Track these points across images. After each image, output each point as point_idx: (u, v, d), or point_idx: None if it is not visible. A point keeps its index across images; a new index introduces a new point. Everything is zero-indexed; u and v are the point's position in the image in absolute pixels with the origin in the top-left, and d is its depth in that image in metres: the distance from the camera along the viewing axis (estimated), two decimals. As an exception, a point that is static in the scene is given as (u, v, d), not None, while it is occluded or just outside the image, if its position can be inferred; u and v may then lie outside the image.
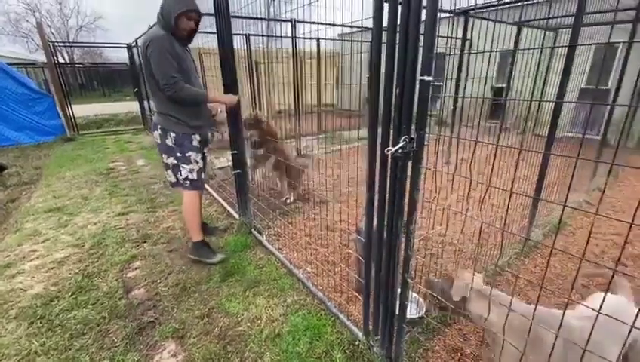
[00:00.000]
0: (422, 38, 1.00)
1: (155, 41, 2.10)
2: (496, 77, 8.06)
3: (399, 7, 1.02)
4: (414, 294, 1.91)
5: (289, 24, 4.85)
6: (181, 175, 2.40)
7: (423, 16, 0.98)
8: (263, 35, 5.43)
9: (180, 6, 2.10)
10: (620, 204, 3.56)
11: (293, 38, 4.77)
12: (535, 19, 5.03)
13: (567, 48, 2.13)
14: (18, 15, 24.00)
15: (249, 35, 5.98)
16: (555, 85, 4.08)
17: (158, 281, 2.36)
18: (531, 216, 2.54)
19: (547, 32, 6.04)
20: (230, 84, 2.56)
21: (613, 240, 2.79)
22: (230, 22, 2.36)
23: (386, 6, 1.08)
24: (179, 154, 2.34)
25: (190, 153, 2.36)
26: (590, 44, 5.11)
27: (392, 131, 1.16)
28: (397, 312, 1.36)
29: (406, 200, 1.17)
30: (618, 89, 3.48)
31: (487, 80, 6.82)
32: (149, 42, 2.11)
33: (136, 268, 2.52)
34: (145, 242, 2.90)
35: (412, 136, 1.09)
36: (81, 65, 20.52)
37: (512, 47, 5.39)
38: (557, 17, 4.45)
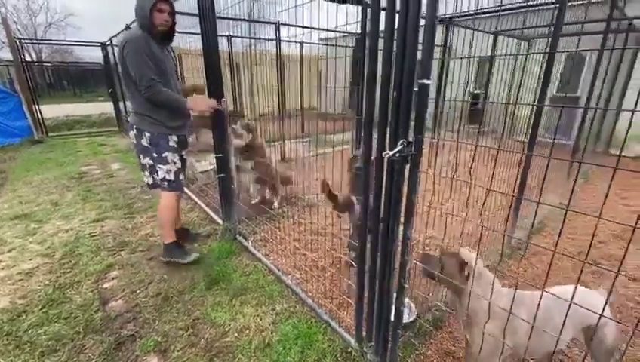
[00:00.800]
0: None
1: (131, 42, 2.03)
2: (474, 84, 8.34)
3: (397, 14, 1.01)
4: (407, 299, 1.90)
5: (273, 26, 4.81)
6: (158, 175, 2.33)
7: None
8: (246, 37, 5.35)
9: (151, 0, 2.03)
10: (593, 205, 3.73)
11: (278, 40, 4.73)
12: (511, 29, 5.25)
13: (545, 56, 2.21)
14: (-20, 9, 22.60)
15: (231, 36, 5.89)
16: (529, 92, 4.25)
17: (138, 291, 2.23)
18: (514, 217, 2.61)
19: (522, 42, 6.32)
20: (214, 87, 2.49)
21: (588, 240, 2.91)
22: (215, 23, 2.30)
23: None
24: (155, 155, 2.27)
25: (166, 153, 2.28)
26: (573, 51, 5.37)
27: (388, 135, 1.14)
28: (392, 318, 1.34)
29: (403, 204, 1.16)
30: (590, 95, 3.66)
31: (468, 85, 7.06)
32: (125, 43, 2.04)
33: (113, 278, 2.38)
34: (122, 250, 2.75)
35: (410, 139, 1.07)
36: (49, 64, 19.49)
37: (489, 54, 5.59)
38: (533, 27, 4.65)
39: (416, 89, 1.00)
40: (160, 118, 2.20)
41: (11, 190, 4.19)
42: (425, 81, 0.98)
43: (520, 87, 5.76)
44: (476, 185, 1.12)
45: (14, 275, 2.42)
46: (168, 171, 2.32)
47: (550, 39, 2.12)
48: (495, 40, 5.55)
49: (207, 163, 4.24)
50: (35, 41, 18.98)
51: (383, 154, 1.09)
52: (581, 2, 3.07)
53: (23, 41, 7.67)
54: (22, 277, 2.39)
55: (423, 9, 0.96)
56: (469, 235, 2.78)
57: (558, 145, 5.71)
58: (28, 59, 8.15)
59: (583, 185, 4.36)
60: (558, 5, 1.98)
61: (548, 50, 2.15)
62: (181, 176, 2.44)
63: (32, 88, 7.24)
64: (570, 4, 2.23)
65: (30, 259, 2.62)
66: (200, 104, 2.35)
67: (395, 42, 1.05)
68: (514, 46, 6.28)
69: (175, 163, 2.35)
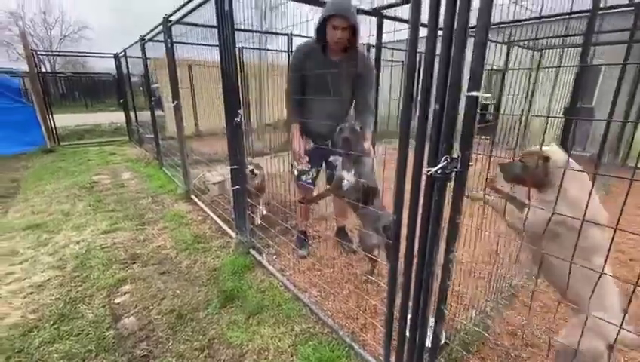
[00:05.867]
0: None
1: (295, 51, 2.18)
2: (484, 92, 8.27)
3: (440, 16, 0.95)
4: (432, 319, 1.79)
5: (285, 37, 4.82)
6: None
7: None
8: (257, 49, 5.38)
9: (324, 13, 1.94)
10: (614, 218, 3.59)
11: (289, 52, 4.73)
12: (524, 40, 5.19)
13: (571, 69, 2.14)
14: (0, 23, 23.32)
15: (242, 48, 5.92)
16: (544, 102, 4.15)
17: (151, 308, 2.16)
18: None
19: (534, 52, 6.26)
20: (231, 97, 2.45)
21: (616, 255, 2.77)
22: (234, 35, 2.27)
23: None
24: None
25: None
26: (606, 64, 5.29)
27: (427, 150, 1.07)
28: (429, 344, 1.24)
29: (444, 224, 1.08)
30: (614, 107, 3.56)
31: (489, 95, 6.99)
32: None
33: (125, 293, 2.31)
34: (134, 263, 2.69)
35: (453, 155, 1.00)
36: (63, 75, 19.92)
37: (501, 65, 5.53)
38: (557, 37, 4.57)
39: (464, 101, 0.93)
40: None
41: (23, 199, 4.18)
42: (474, 94, 0.91)
43: (532, 97, 5.67)
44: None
45: (26, 288, 2.36)
46: None
47: (561, 50, 2.04)
48: (509, 51, 5.49)
49: (218, 174, 4.19)
50: (50, 53, 19.43)
51: (426, 170, 1.01)
52: (610, 11, 3.00)
53: (38, 53, 7.81)
54: (33, 290, 2.34)
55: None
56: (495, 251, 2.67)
57: (574, 157, 5.58)
58: (43, 70, 8.29)
59: (604, 198, 4.22)
60: (590, 14, 1.91)
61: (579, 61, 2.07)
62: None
63: (46, 98, 7.34)
64: (602, 12, 2.16)
65: (42, 271, 2.57)
66: (294, 148, 2.35)
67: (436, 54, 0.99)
68: (526, 56, 6.22)
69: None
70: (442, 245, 1.09)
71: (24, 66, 7.83)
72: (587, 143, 6.07)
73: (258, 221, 3.21)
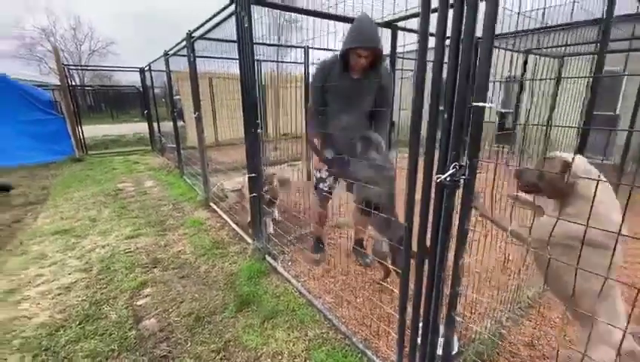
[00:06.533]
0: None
1: (318, 65, 2.31)
2: (503, 102, 8.15)
3: (447, 31, 1.00)
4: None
5: (300, 50, 4.95)
6: None
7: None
8: (275, 61, 5.54)
9: (348, 42, 2.01)
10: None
11: (306, 64, 4.85)
12: (543, 47, 5.12)
13: (590, 78, 2.12)
14: (33, 39, 24.91)
15: (260, 60, 6.11)
16: (566, 111, 4.08)
17: (170, 310, 2.24)
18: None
19: (553, 60, 6.15)
20: (250, 109, 2.55)
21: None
22: (253, 49, 2.38)
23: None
24: None
25: None
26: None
27: (436, 158, 1.10)
28: (440, 353, 1.25)
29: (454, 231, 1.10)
30: (635, 115, 3.46)
31: (494, 105, 6.91)
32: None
33: (146, 296, 2.41)
34: (155, 267, 2.80)
35: (462, 163, 1.03)
36: (91, 88, 21.01)
37: (518, 73, 5.47)
38: (571, 45, 4.51)
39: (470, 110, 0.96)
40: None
41: (53, 206, 4.42)
42: (481, 104, 0.94)
43: (555, 107, 5.56)
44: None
45: (54, 290, 2.50)
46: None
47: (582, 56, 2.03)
48: (526, 59, 5.43)
49: (236, 182, 4.30)
50: (80, 68, 20.58)
51: (435, 177, 1.05)
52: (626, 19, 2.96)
53: (69, 67, 8.30)
54: (61, 292, 2.47)
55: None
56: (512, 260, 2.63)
57: (599, 166, 5.40)
58: (73, 83, 8.79)
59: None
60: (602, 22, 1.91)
61: (592, 69, 2.06)
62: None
63: (75, 110, 7.77)
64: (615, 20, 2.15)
65: (69, 274, 2.71)
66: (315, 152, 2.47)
67: (444, 63, 1.03)
68: (547, 64, 6.12)
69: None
70: (452, 251, 1.11)
71: (55, 80, 8.35)
72: (610, 151, 5.87)
73: (271, 229, 3.27)
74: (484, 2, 0.90)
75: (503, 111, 7.91)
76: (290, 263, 2.77)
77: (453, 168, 1.03)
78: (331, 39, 2.44)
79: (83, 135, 7.97)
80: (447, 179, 1.04)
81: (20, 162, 6.78)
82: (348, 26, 2.79)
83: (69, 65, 8.76)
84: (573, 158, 1.20)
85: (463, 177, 1.03)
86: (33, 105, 7.11)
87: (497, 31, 0.93)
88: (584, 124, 2.10)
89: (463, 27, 0.95)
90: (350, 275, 2.59)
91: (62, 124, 7.49)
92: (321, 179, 2.53)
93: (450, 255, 1.12)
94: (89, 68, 22.54)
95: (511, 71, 5.33)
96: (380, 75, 2.16)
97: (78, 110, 8.06)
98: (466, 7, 0.91)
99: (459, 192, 1.07)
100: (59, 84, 7.54)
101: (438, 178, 1.03)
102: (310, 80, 2.18)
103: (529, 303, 2.18)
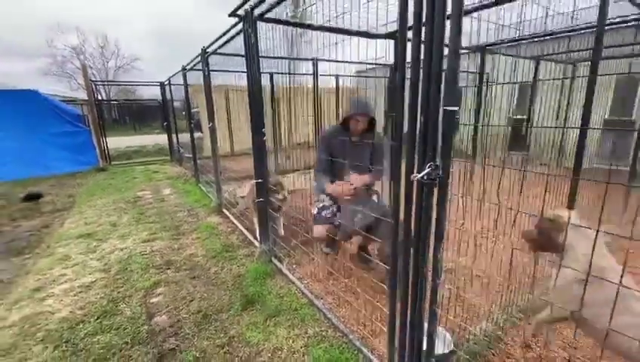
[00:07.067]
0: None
1: (324, 132, 2.77)
2: (515, 109, 8.06)
3: (422, 44, 1.10)
4: (440, 328, 1.82)
5: (310, 62, 5.14)
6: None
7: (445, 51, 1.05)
8: (285, 73, 5.75)
9: (350, 110, 2.54)
10: None
11: (315, 75, 5.02)
12: (552, 54, 5.11)
13: (587, 81, 2.15)
14: (64, 57, 26.55)
15: (272, 73, 6.35)
16: (577, 117, 4.04)
17: (180, 308, 2.37)
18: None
19: (566, 66, 6.09)
20: (257, 119, 2.71)
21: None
22: (259, 63, 2.55)
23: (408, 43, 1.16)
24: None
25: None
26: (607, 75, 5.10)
27: (416, 159, 1.19)
28: (424, 347, 1.31)
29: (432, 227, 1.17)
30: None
31: (505, 110, 6.87)
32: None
33: (159, 294, 2.56)
34: (168, 268, 2.95)
35: (437, 163, 1.11)
36: (116, 102, 22.14)
37: (530, 80, 5.45)
38: (573, 51, 4.50)
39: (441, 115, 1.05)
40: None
41: (78, 212, 4.71)
42: (450, 108, 1.03)
43: (567, 111, 5.48)
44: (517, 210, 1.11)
45: (76, 288, 2.68)
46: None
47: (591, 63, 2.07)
48: (537, 65, 5.41)
49: (247, 189, 4.47)
50: (106, 83, 21.78)
51: (412, 177, 1.13)
52: (621, 25, 2.97)
53: (96, 83, 8.85)
54: (82, 290, 2.65)
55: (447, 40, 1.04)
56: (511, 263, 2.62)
57: (613, 172, 5.25)
58: (99, 98, 9.36)
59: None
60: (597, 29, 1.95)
61: (588, 74, 2.09)
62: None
63: (101, 123, 8.24)
64: (608, 27, 2.18)
65: (90, 274, 2.90)
66: (336, 190, 2.62)
67: (421, 70, 1.13)
68: (559, 70, 6.07)
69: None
70: (432, 245, 1.18)
71: (83, 95, 8.88)
72: (628, 159, 5.70)
73: (282, 232, 3.39)
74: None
75: (518, 116, 7.82)
76: (294, 266, 2.86)
77: (429, 167, 1.11)
78: (339, 50, 2.63)
79: (107, 146, 8.43)
80: (425, 177, 1.12)
81: (52, 172, 7.23)
82: (354, 39, 2.95)
83: (96, 81, 9.33)
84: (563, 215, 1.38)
85: (438, 176, 1.11)
86: (62, 118, 7.60)
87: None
88: (581, 129, 2.12)
89: (434, 47, 1.05)
90: (353, 278, 2.65)
91: (88, 136, 7.96)
92: (324, 207, 2.72)
93: (431, 248, 1.19)
94: (114, 83, 23.78)
95: (523, 76, 5.33)
96: (374, 137, 2.64)
97: (103, 123, 8.55)
98: (435, 31, 1.02)
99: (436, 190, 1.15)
100: (87, 98, 8.05)
101: (414, 177, 1.11)
102: (318, 148, 2.69)
103: (528, 306, 2.18)
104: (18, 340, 2.09)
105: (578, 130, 2.58)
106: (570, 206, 2.25)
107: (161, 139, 11.53)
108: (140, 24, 49.89)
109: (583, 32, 3.21)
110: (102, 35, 28.41)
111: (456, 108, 1.04)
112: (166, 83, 8.13)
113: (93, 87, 8.06)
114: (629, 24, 2.88)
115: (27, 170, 6.99)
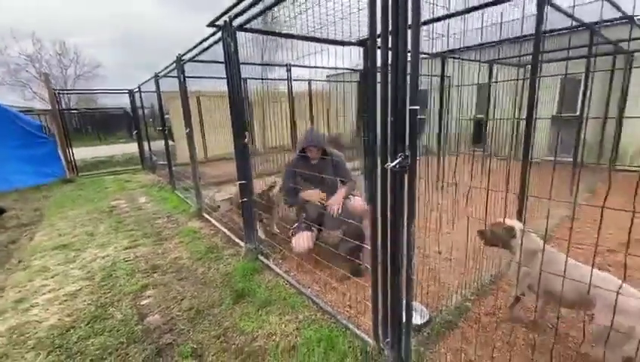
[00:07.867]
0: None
1: (288, 163, 3.10)
2: (476, 110, 8.68)
3: (389, 53, 1.32)
4: (417, 303, 2.06)
5: (284, 68, 5.32)
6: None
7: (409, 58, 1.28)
8: (261, 79, 5.89)
9: (304, 142, 2.90)
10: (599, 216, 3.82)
11: (289, 80, 5.21)
12: (504, 58, 5.63)
13: (533, 82, 2.50)
14: (18, 66, 24.82)
15: (246, 78, 6.45)
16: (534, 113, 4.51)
17: (172, 307, 2.45)
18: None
19: (519, 69, 6.70)
20: (238, 123, 2.84)
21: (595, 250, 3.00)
22: (240, 69, 2.70)
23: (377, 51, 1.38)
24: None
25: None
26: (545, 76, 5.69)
27: (389, 151, 1.41)
28: (404, 311, 1.52)
29: (405, 207, 1.40)
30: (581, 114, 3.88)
31: (465, 111, 7.41)
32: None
33: (148, 297, 2.61)
34: (155, 272, 3.00)
35: (407, 153, 1.34)
36: (77, 111, 21.04)
37: (484, 82, 5.95)
38: (520, 56, 5.00)
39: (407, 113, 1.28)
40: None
41: (49, 224, 4.56)
42: (413, 107, 1.26)
43: (520, 110, 6.03)
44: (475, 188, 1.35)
45: (60, 296, 2.68)
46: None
47: (542, 64, 2.41)
48: (491, 69, 5.93)
49: (225, 193, 4.55)
50: (72, 92, 20.60)
51: (386, 165, 1.35)
52: (560, 32, 3.40)
53: (60, 92, 8.47)
54: (67, 298, 2.65)
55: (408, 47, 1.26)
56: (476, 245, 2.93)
57: (562, 163, 5.85)
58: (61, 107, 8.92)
59: (588, 199, 4.46)
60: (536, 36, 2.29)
61: (530, 76, 2.43)
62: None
63: (66, 133, 7.92)
64: (549, 35, 2.54)
65: (73, 283, 2.89)
66: (311, 195, 2.90)
67: (389, 75, 1.35)
68: (512, 74, 6.67)
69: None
70: (405, 222, 1.40)
71: (38, 104, 8.49)
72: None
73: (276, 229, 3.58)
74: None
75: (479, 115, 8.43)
76: (281, 261, 3.01)
77: (399, 157, 1.33)
78: (312, 58, 2.82)
79: (74, 156, 8.10)
80: (397, 166, 1.34)
81: (15, 185, 6.86)
82: (327, 46, 3.17)
83: (62, 90, 8.94)
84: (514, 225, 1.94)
85: (407, 165, 1.33)
86: (24, 129, 7.23)
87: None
88: (526, 125, 2.46)
89: (399, 55, 1.27)
90: (337, 267, 2.84)
91: (53, 147, 7.62)
92: (304, 217, 2.95)
93: (405, 227, 1.41)
94: (80, 91, 22.57)
95: (479, 79, 5.81)
96: (331, 156, 2.98)
97: (68, 133, 8.21)
98: (399, 42, 1.24)
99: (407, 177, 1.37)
100: (43, 108, 7.71)
101: (387, 165, 1.33)
102: (283, 177, 3.10)
103: (492, 281, 2.48)
104: (8, 349, 2.09)
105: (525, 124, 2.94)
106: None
107: (129, 148, 11.20)
108: (103, 30, 47.74)
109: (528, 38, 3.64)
110: (59, 41, 26.85)
111: (417, 107, 1.27)
112: (135, 90, 7.97)
113: (56, 95, 7.74)
114: (561, 32, 3.31)
115: (-15, 186, 6.60)
